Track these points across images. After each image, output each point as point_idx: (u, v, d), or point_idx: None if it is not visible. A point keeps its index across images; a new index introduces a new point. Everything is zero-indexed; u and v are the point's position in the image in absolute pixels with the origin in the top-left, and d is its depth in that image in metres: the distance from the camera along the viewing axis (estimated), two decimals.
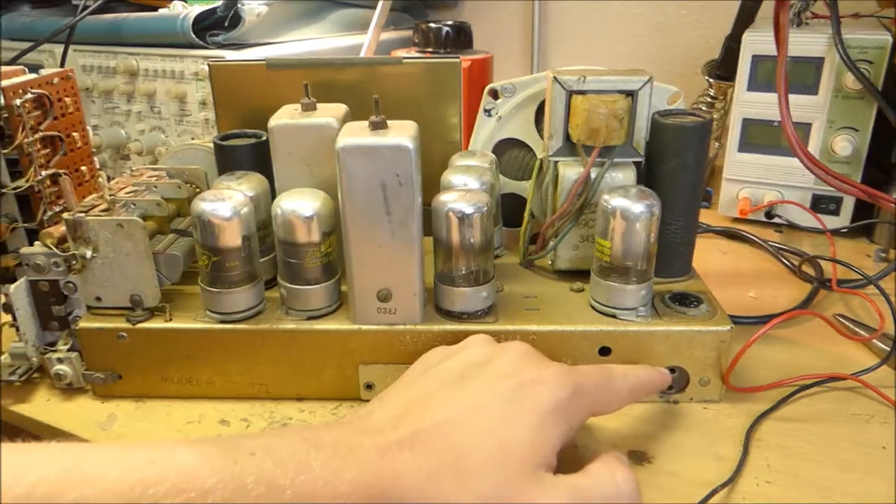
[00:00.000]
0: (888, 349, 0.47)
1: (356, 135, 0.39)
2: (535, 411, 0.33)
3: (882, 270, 0.59)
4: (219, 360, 0.44)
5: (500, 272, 0.50)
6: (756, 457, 0.40)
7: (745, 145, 0.70)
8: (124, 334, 0.44)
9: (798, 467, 0.39)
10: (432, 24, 0.79)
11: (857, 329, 0.51)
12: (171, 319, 0.44)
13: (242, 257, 0.42)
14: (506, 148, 0.54)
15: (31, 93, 0.43)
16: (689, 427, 0.43)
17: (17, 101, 0.42)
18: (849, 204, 0.69)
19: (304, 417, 0.44)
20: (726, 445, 0.41)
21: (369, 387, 0.44)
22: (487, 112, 0.53)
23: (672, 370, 0.43)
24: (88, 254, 0.42)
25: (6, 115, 0.42)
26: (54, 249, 0.43)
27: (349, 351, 0.43)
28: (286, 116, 0.45)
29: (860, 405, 0.45)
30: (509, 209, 0.53)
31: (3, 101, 0.42)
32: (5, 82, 0.43)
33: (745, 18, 0.74)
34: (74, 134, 0.48)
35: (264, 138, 0.48)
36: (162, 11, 0.76)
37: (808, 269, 0.62)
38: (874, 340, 0.49)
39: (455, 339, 0.42)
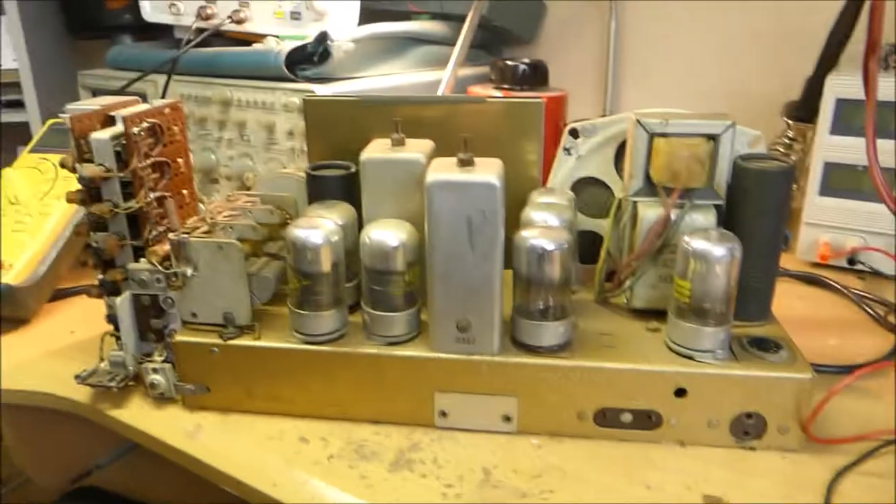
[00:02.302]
0: None
1: (445, 171, 0.41)
2: None
3: None
4: (301, 379, 0.46)
5: (574, 308, 0.50)
6: None
7: (827, 189, 0.69)
8: (216, 349, 0.46)
9: None
10: (509, 62, 0.81)
11: None
12: (259, 338, 0.46)
13: (330, 282, 0.44)
14: (583, 186, 0.55)
15: (147, 122, 0.47)
16: (767, 474, 0.42)
17: (135, 129, 0.46)
18: None
19: (380, 440, 0.45)
20: (805, 496, 0.40)
21: (444, 414, 0.45)
22: (567, 150, 0.54)
23: (749, 416, 0.43)
24: (189, 272, 0.46)
25: (125, 142, 0.46)
26: (158, 266, 0.46)
27: (426, 377, 0.45)
28: (377, 150, 0.47)
29: None
30: (584, 246, 0.54)
31: (123, 129, 0.45)
32: (125, 112, 0.46)
33: (828, 60, 0.73)
34: (179, 160, 0.51)
35: (353, 170, 0.50)
36: (256, 46, 0.80)
37: (893, 319, 0.60)
38: None
39: (530, 372, 0.43)
